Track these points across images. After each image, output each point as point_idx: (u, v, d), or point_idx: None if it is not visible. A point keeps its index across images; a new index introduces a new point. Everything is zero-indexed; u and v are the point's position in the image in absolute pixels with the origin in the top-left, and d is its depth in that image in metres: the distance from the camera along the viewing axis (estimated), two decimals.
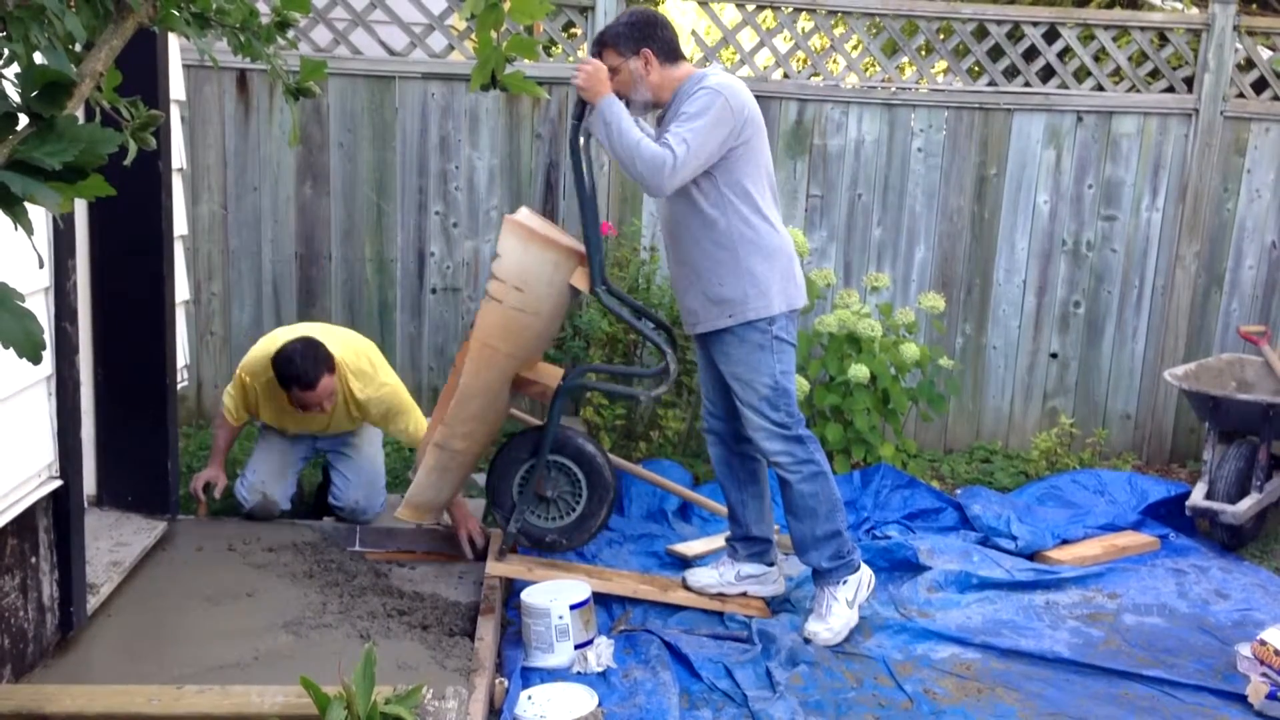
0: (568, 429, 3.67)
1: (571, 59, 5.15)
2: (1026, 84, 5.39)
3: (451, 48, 5.24)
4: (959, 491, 4.92)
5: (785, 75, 5.46)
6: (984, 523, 4.48)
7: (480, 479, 4.26)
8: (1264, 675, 3.20)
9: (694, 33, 5.80)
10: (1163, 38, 5.54)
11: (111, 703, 2.53)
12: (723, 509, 4.11)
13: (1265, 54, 5.41)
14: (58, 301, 2.86)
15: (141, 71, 3.47)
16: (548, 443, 3.57)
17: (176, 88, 4.09)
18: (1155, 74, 5.64)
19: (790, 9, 5.26)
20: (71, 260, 2.91)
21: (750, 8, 5.26)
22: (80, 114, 1.32)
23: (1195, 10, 6.57)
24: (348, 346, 3.94)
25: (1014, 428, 5.62)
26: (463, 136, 5.17)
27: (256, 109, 5.08)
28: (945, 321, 5.43)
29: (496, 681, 3.01)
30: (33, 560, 2.91)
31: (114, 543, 3.63)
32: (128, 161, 1.43)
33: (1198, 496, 4.49)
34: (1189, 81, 5.41)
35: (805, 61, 5.43)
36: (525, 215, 3.48)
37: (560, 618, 3.25)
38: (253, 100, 5.07)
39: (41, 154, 1.22)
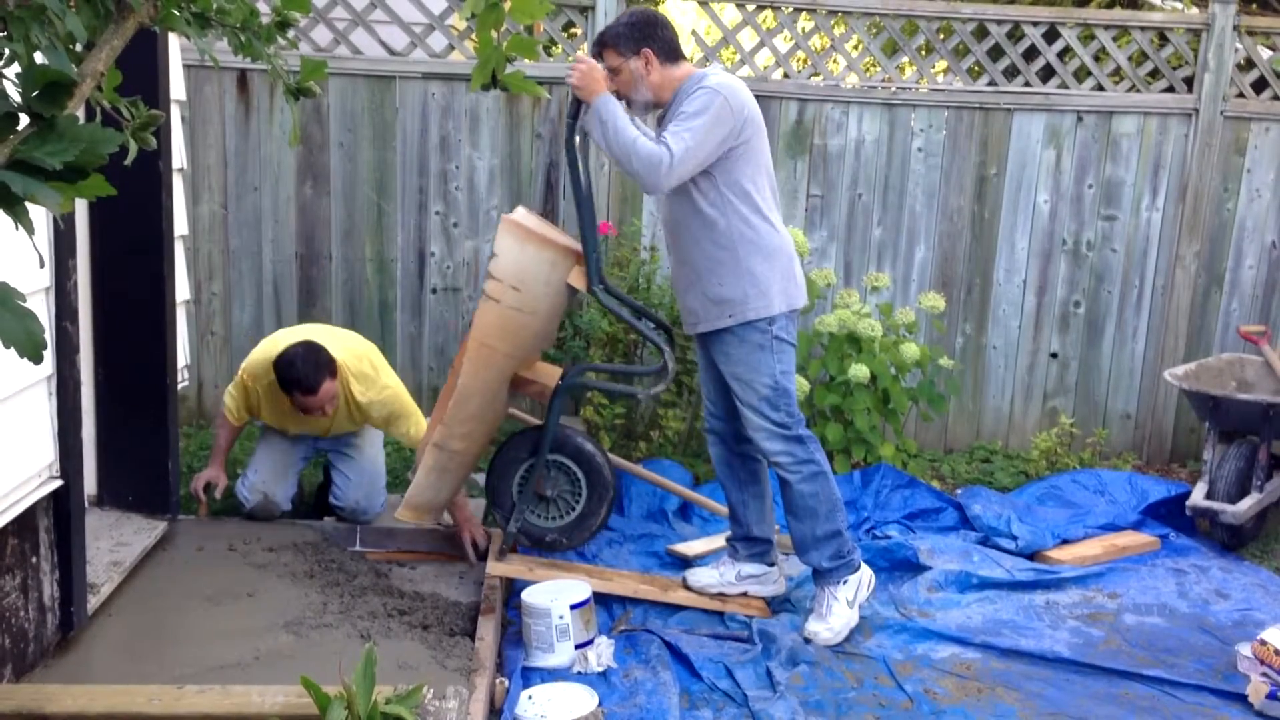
0: (567, 428, 3.67)
1: (571, 59, 5.15)
2: (1027, 84, 5.39)
3: (452, 47, 5.24)
4: (959, 491, 4.92)
5: (785, 75, 5.46)
6: (984, 522, 4.48)
7: (480, 479, 4.27)
8: (1264, 675, 3.20)
9: (694, 32, 5.80)
10: (1163, 37, 5.54)
11: (112, 702, 2.53)
12: (723, 509, 4.11)
13: (1265, 54, 5.41)
14: (58, 301, 2.86)
15: (142, 71, 3.48)
16: (547, 442, 3.57)
17: (177, 87, 4.09)
18: (1155, 74, 5.64)
19: (790, 9, 5.26)
20: (72, 260, 2.91)
21: (750, 8, 5.26)
22: (81, 114, 1.32)
23: (1195, 10, 6.57)
24: (349, 350, 3.94)
25: (1014, 427, 5.62)
26: (463, 136, 5.17)
27: (257, 109, 5.08)
28: (945, 321, 5.43)
29: (497, 681, 3.01)
30: (33, 560, 2.92)
31: (114, 542, 3.63)
32: (128, 161, 1.43)
33: (1198, 496, 4.49)
34: (1189, 81, 5.41)
35: (805, 61, 5.43)
36: (522, 215, 3.48)
37: (561, 617, 3.25)
38: (253, 100, 5.07)
39: (42, 154, 1.22)
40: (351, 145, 5.15)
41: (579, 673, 3.24)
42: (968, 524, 4.56)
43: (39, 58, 1.30)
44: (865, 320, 4.78)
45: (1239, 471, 4.49)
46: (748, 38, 5.58)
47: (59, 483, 2.94)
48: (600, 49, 3.39)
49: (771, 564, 3.73)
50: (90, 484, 3.72)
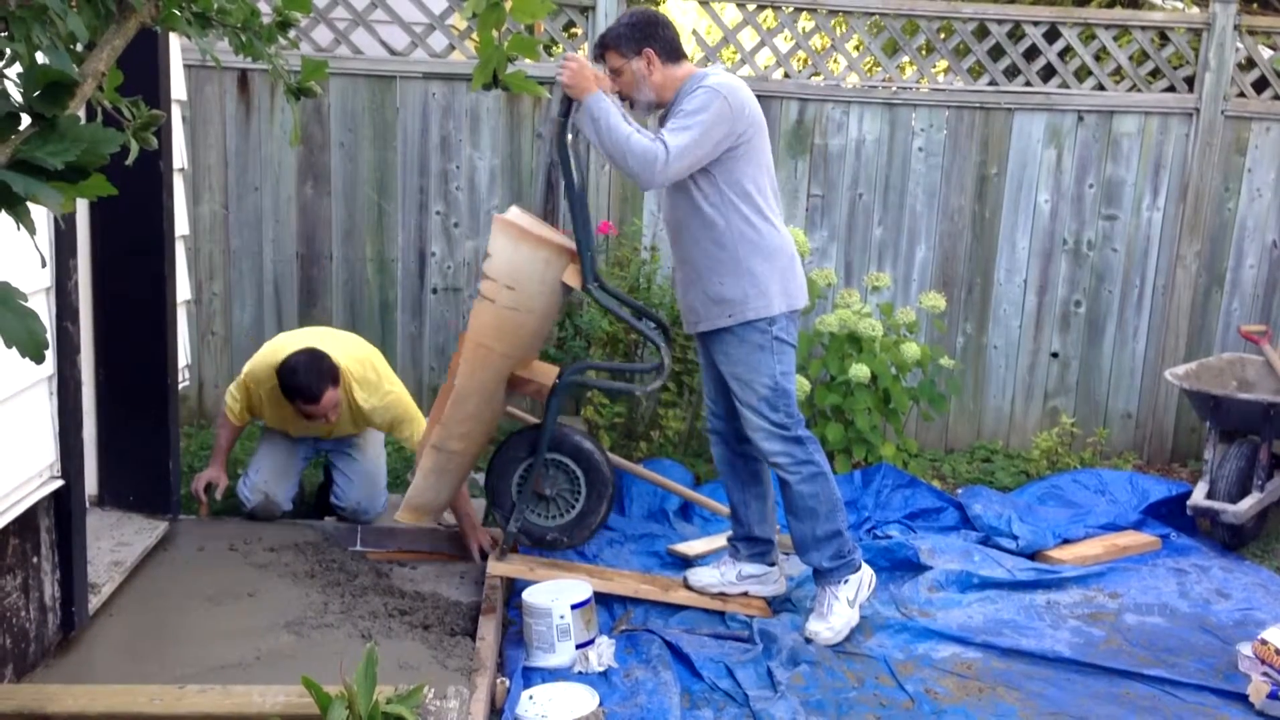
0: (564, 427, 3.67)
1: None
2: (1027, 83, 5.39)
3: (452, 47, 5.24)
4: (960, 491, 4.92)
5: (786, 75, 5.46)
6: (985, 522, 4.48)
7: (480, 479, 4.27)
8: (1265, 674, 3.20)
9: (695, 32, 5.80)
10: (1163, 37, 5.54)
11: (113, 702, 2.53)
12: (723, 509, 4.11)
13: (1266, 53, 5.41)
14: (59, 301, 2.86)
15: (143, 71, 3.48)
16: (545, 441, 3.57)
17: (178, 87, 4.09)
18: (1156, 73, 5.64)
19: (791, 9, 5.26)
20: (73, 260, 2.91)
21: (751, 7, 5.26)
22: (82, 114, 1.32)
23: (1196, 10, 6.57)
24: (351, 355, 3.94)
25: (1015, 427, 5.62)
26: (464, 136, 5.17)
27: (257, 109, 5.08)
28: (946, 321, 5.43)
29: (498, 681, 3.01)
30: (34, 560, 2.92)
31: (115, 542, 3.63)
32: (129, 161, 1.43)
33: (1199, 496, 4.49)
34: (1190, 81, 5.41)
35: (806, 61, 5.43)
36: (515, 214, 3.48)
37: (561, 617, 3.25)
38: (254, 100, 5.07)
39: (44, 154, 1.22)
40: (352, 145, 5.15)
41: (580, 672, 3.24)
42: (968, 524, 4.56)
43: (40, 58, 1.30)
44: (866, 320, 4.78)
45: (1240, 471, 4.49)
46: (748, 37, 5.58)
47: (60, 483, 2.94)
48: (602, 50, 3.40)
49: (772, 564, 3.73)
50: (91, 484, 3.72)
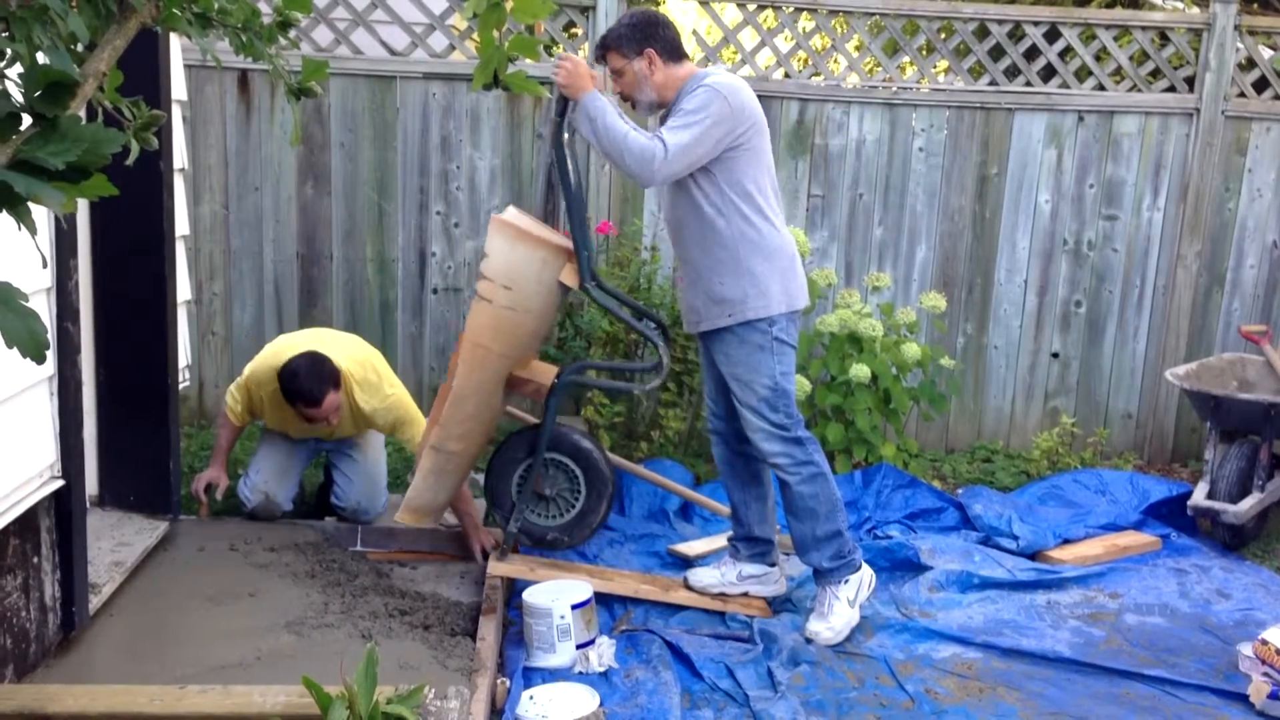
0: (563, 426, 3.67)
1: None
2: (1028, 83, 5.39)
3: (453, 47, 5.24)
4: (960, 491, 4.92)
5: (786, 75, 5.46)
6: (985, 522, 4.48)
7: (480, 479, 4.26)
8: (1265, 675, 3.20)
9: (695, 32, 5.80)
10: (1164, 37, 5.54)
11: (114, 702, 2.53)
12: (723, 509, 4.11)
13: (1266, 53, 5.41)
14: (60, 301, 2.86)
15: (143, 71, 3.48)
16: (544, 441, 3.57)
17: (178, 88, 4.09)
18: (1156, 73, 5.64)
19: (791, 8, 5.26)
20: (73, 260, 2.91)
21: (751, 7, 5.26)
22: (82, 114, 1.32)
23: (1196, 10, 6.57)
24: (352, 357, 3.94)
25: (1015, 427, 5.62)
26: (464, 136, 5.17)
27: (258, 109, 5.08)
28: (946, 321, 5.43)
29: (498, 681, 3.01)
30: (35, 560, 2.92)
31: (116, 543, 3.63)
32: (130, 162, 1.43)
33: (1199, 496, 4.49)
34: (1190, 81, 5.41)
35: (806, 61, 5.43)
36: (513, 214, 3.48)
37: (562, 617, 3.25)
38: (254, 100, 5.07)
39: (45, 154, 1.22)
40: (352, 145, 5.15)
41: (580, 673, 3.24)
42: (969, 524, 4.56)
43: (41, 58, 1.30)
44: (866, 320, 4.78)
45: (1240, 471, 4.49)
46: (749, 37, 5.58)
47: (60, 483, 2.94)
48: (603, 51, 3.40)
49: (773, 564, 3.73)
50: (92, 484, 3.72)
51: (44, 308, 2.81)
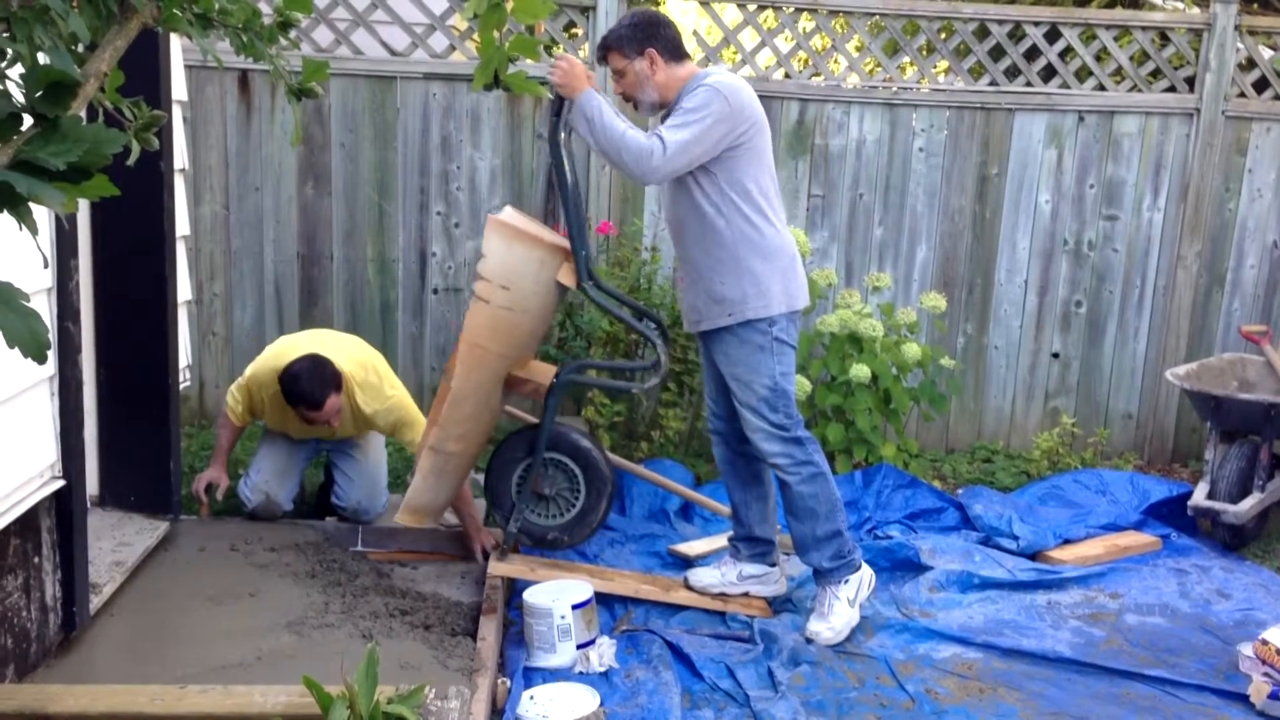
0: (562, 426, 3.67)
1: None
2: (1028, 84, 5.39)
3: (453, 48, 5.24)
4: (960, 491, 4.92)
5: (786, 75, 5.46)
6: (986, 522, 4.48)
7: (482, 479, 4.27)
8: (1266, 675, 3.20)
9: (695, 33, 5.80)
10: (1164, 37, 5.54)
11: (114, 702, 2.53)
12: (724, 509, 4.11)
13: (1266, 53, 5.41)
14: (60, 301, 2.86)
15: (144, 72, 3.48)
16: (543, 441, 3.57)
17: (178, 88, 4.09)
18: (1157, 74, 5.64)
19: (791, 9, 5.26)
20: (74, 260, 2.91)
21: (751, 8, 5.26)
22: (83, 114, 1.32)
23: (1196, 10, 6.57)
24: (353, 359, 3.94)
25: (1015, 427, 5.62)
26: (464, 136, 5.17)
27: (258, 109, 5.08)
28: (947, 321, 5.43)
29: (499, 681, 3.01)
30: (35, 560, 2.92)
31: (116, 543, 3.63)
32: (131, 162, 1.43)
33: (1199, 496, 4.48)
34: (1190, 81, 5.41)
35: (806, 61, 5.43)
36: (509, 214, 3.48)
37: (562, 618, 3.25)
38: (254, 100, 5.07)
39: (46, 154, 1.22)
40: (353, 145, 5.15)
41: (581, 673, 3.24)
42: (969, 524, 4.56)
43: (42, 58, 1.30)
44: (866, 320, 4.78)
45: (1240, 471, 4.49)
46: (749, 38, 5.58)
47: (61, 483, 2.94)
48: (605, 52, 3.40)
49: (773, 564, 3.73)
50: (92, 484, 3.72)
51: (45, 308, 2.81)
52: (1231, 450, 4.56)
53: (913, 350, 4.77)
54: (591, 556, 4.05)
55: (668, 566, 4.08)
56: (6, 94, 1.27)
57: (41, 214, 1.30)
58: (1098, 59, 5.43)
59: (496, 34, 1.70)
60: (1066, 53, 5.39)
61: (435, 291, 5.29)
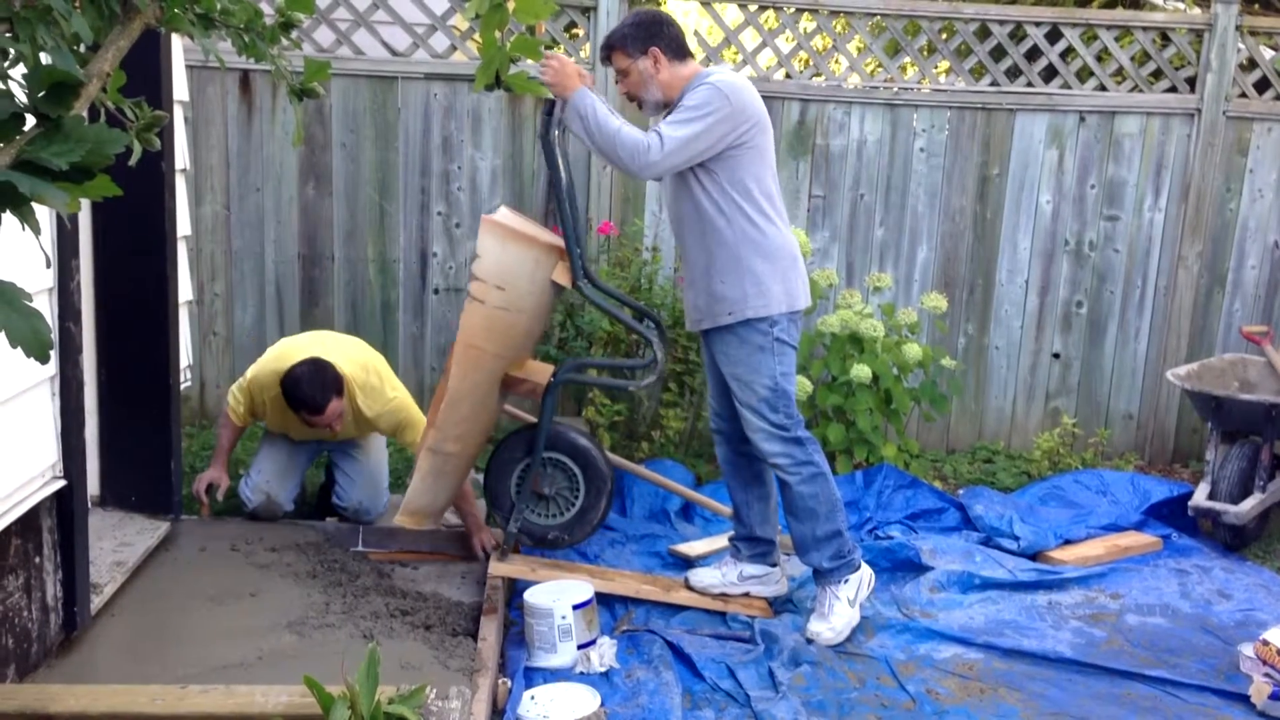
0: (559, 425, 3.67)
1: (573, 59, 5.15)
2: (1029, 84, 5.39)
3: (454, 48, 5.24)
4: (961, 492, 4.92)
5: (787, 75, 5.46)
6: (986, 523, 4.48)
7: (482, 479, 4.27)
8: (1267, 675, 3.20)
9: (696, 33, 5.80)
10: (1165, 38, 5.54)
11: (115, 702, 2.53)
12: (724, 509, 4.11)
13: (1267, 54, 5.41)
14: (61, 302, 2.86)
15: (145, 72, 3.48)
16: (541, 440, 3.57)
17: (180, 88, 4.09)
18: (1158, 74, 5.64)
19: (792, 9, 5.26)
20: (75, 260, 2.91)
21: (752, 8, 5.26)
22: (85, 114, 1.32)
23: (1197, 10, 6.57)
24: (354, 360, 3.94)
25: (1016, 428, 5.62)
26: (465, 137, 5.17)
27: (259, 109, 5.09)
28: (947, 322, 5.43)
29: (499, 681, 3.01)
30: (36, 560, 2.92)
31: (117, 543, 3.63)
32: (133, 162, 1.43)
33: (1200, 497, 4.48)
34: (1191, 81, 5.41)
35: (807, 62, 5.43)
36: (504, 214, 3.48)
37: (563, 618, 3.25)
38: (255, 101, 5.08)
39: (49, 154, 1.22)
40: (354, 146, 5.15)
41: (581, 673, 3.24)
42: (970, 524, 4.56)
43: (45, 58, 1.30)
44: (867, 320, 4.78)
45: (1241, 472, 4.49)
46: (750, 38, 5.58)
47: (62, 483, 2.95)
48: (608, 51, 3.40)
49: (774, 564, 3.73)
50: (93, 484, 3.72)
51: (46, 308, 2.81)
52: (1232, 451, 4.56)
53: (913, 350, 4.77)
54: (592, 557, 4.06)
55: (668, 567, 4.08)
56: (9, 94, 1.27)
57: (43, 214, 1.30)
58: (1099, 59, 5.43)
59: (498, 34, 1.70)
60: (1068, 53, 5.39)
61: (436, 292, 5.29)
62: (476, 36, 4.71)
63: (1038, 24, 5.33)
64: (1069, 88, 5.37)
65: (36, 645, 2.93)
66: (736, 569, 3.71)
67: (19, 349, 1.23)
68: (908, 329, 4.97)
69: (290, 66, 1.69)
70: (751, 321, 3.37)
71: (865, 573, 3.60)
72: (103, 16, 1.36)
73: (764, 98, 3.46)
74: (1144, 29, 5.43)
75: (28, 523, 2.85)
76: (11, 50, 1.28)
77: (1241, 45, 5.36)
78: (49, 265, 2.77)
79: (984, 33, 5.34)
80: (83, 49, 1.36)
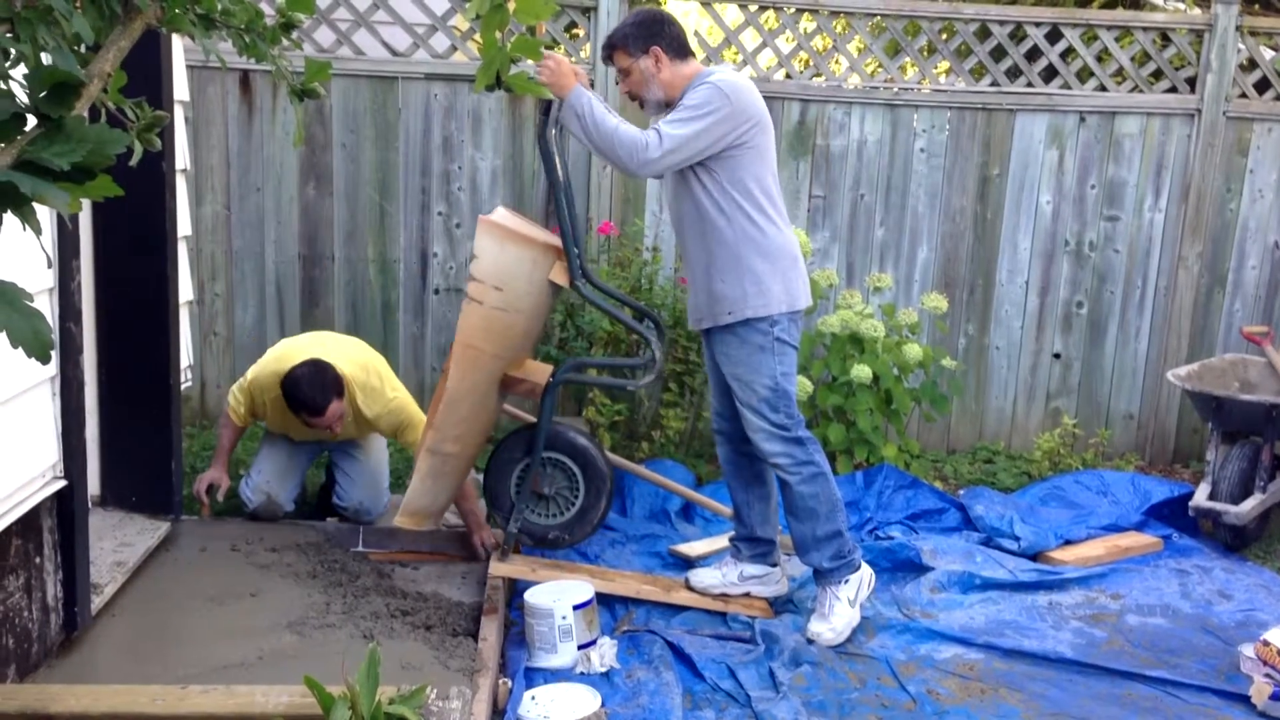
0: (558, 424, 3.67)
1: (573, 59, 5.15)
2: (1029, 84, 5.39)
3: (454, 48, 5.24)
4: (962, 492, 4.92)
5: (788, 76, 5.46)
6: (987, 523, 4.48)
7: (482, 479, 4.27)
8: (1267, 676, 3.20)
9: (697, 33, 5.80)
10: (1165, 38, 5.54)
11: (116, 702, 2.53)
12: (724, 509, 4.11)
13: (1268, 54, 5.41)
14: (62, 302, 2.86)
15: (146, 72, 3.48)
16: (540, 440, 3.57)
17: (180, 88, 4.09)
18: (1158, 74, 5.64)
19: (793, 9, 5.26)
20: (76, 260, 2.91)
21: (753, 8, 5.26)
22: (86, 115, 1.32)
23: (1198, 10, 6.57)
24: (354, 361, 3.94)
25: (1017, 428, 5.62)
26: (465, 137, 5.18)
27: (260, 109, 5.09)
28: (948, 322, 5.43)
29: (500, 682, 3.01)
30: (37, 560, 2.92)
31: (118, 543, 3.63)
32: (133, 163, 1.43)
33: (1201, 497, 4.48)
34: (1191, 82, 5.41)
35: (808, 62, 5.43)
36: (501, 215, 3.48)
37: (564, 618, 3.25)
38: (256, 101, 5.08)
39: (50, 154, 1.22)
40: (354, 146, 5.15)
41: (582, 673, 3.24)
42: (970, 525, 4.56)
43: (46, 58, 1.30)
44: (868, 321, 4.78)
45: (1242, 472, 4.49)
46: (750, 38, 5.58)
47: (63, 483, 2.95)
48: (610, 51, 3.40)
49: (774, 564, 3.73)
50: (94, 484, 3.73)
51: (47, 308, 2.82)
52: (1233, 451, 4.56)
53: (914, 351, 4.77)
54: (593, 557, 4.06)
55: (669, 567, 4.08)
56: (10, 94, 1.27)
57: (43, 214, 1.30)
58: (1099, 60, 5.43)
59: (499, 35, 1.70)
60: (1068, 53, 5.39)
61: (436, 292, 5.29)
62: (477, 37, 4.71)
63: (1038, 24, 5.33)
64: (1069, 88, 5.37)
65: (37, 645, 2.93)
66: (737, 569, 3.71)
67: (20, 349, 1.23)
68: (908, 329, 4.97)
69: (291, 67, 1.69)
70: (751, 321, 3.37)
71: (865, 573, 3.60)
72: (104, 17, 1.36)
73: (764, 98, 3.46)
74: (1144, 29, 5.43)
75: (28, 523, 2.85)
76: (12, 50, 1.28)
77: (1242, 45, 5.36)
78: (50, 265, 2.77)
79: (984, 33, 5.34)
80: (84, 49, 1.36)
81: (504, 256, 3.35)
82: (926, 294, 5.14)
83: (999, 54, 5.44)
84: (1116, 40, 5.51)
